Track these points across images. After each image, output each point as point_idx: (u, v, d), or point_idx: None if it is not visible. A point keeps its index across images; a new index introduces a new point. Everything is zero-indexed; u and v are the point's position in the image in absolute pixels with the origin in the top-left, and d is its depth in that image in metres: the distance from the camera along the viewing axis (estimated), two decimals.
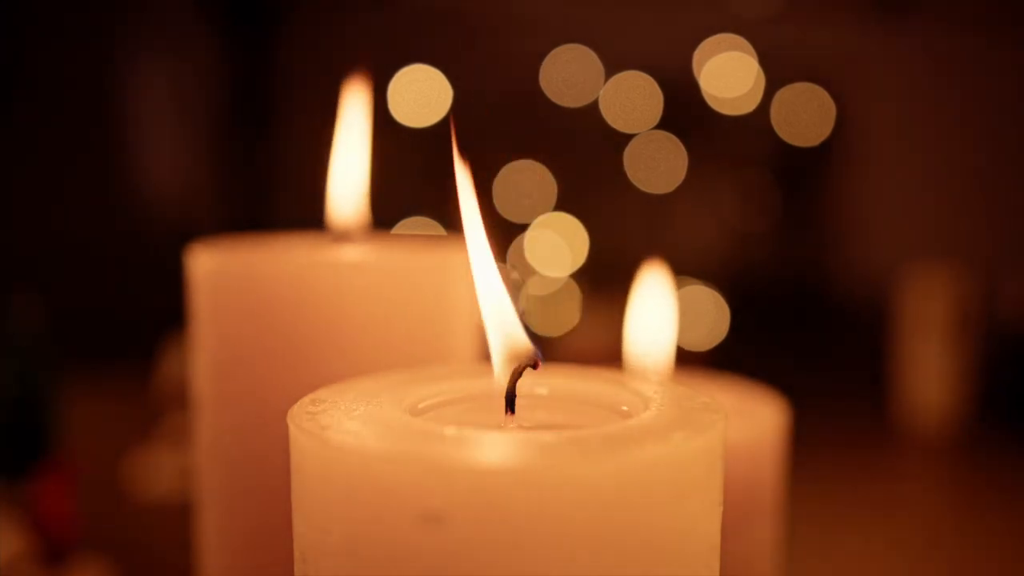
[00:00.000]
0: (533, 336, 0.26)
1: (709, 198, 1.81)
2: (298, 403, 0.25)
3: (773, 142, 1.78)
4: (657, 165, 1.74)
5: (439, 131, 1.61)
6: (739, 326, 1.52)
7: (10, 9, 1.48)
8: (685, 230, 1.79)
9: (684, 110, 1.73)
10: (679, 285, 0.39)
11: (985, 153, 1.70)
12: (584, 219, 1.67)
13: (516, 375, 0.25)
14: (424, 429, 0.22)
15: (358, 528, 0.21)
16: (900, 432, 1.12)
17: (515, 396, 0.25)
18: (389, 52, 1.67)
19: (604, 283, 1.55)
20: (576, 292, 1.60)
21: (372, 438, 0.22)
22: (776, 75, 1.73)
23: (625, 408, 0.26)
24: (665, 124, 1.73)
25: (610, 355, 0.40)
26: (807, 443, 0.57)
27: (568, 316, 1.54)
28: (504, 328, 0.26)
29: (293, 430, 0.23)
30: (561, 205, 1.69)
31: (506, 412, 0.25)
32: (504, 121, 1.75)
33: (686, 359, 0.40)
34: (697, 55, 1.71)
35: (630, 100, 1.73)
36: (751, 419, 0.37)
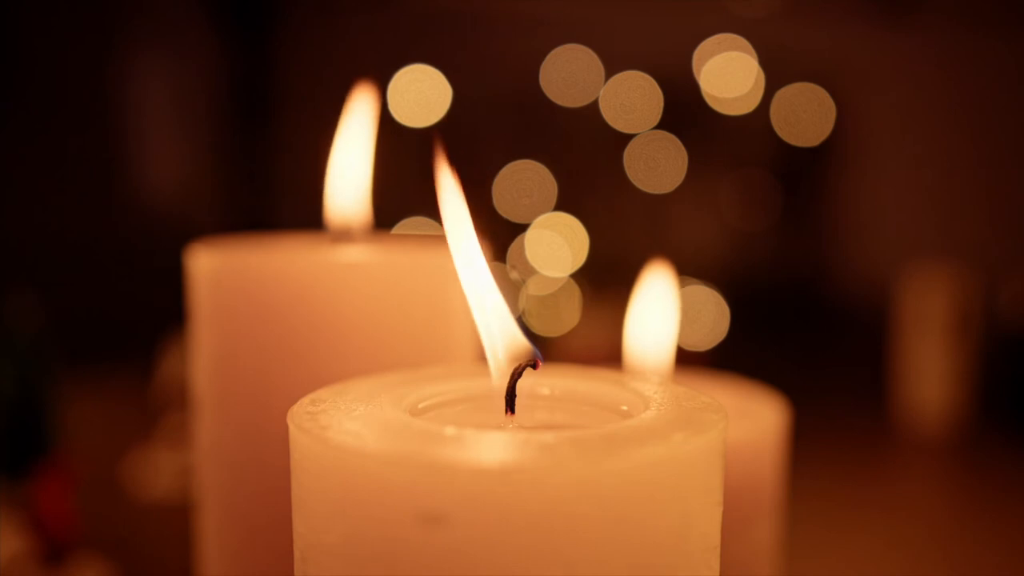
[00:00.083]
0: (532, 336, 0.26)
1: (709, 198, 1.81)
2: (298, 403, 0.25)
3: (773, 142, 1.78)
4: (657, 165, 1.74)
5: (439, 131, 1.61)
6: (739, 326, 1.52)
7: (10, 9, 1.48)
8: (685, 230, 1.79)
9: (684, 110, 1.74)
10: (679, 285, 0.39)
11: (985, 153, 1.70)
12: (584, 219, 1.67)
13: (516, 375, 0.25)
14: (424, 429, 0.22)
15: (358, 528, 0.21)
16: (900, 432, 1.12)
17: (515, 396, 0.25)
18: (389, 52, 1.67)
19: (604, 283, 1.55)
20: (576, 292, 1.60)
21: (372, 438, 0.22)
22: (776, 75, 1.73)
23: (625, 408, 0.26)
24: (665, 124, 1.73)
25: (610, 355, 0.40)
26: (807, 443, 0.57)
27: (568, 316, 1.54)
28: (500, 329, 0.26)
29: (293, 430, 0.23)
30: (561, 205, 1.69)
31: (506, 412, 0.25)
32: (504, 121, 1.75)
33: (686, 359, 0.39)
34: (697, 55, 1.71)
35: (630, 100, 1.73)
36: (751, 419, 0.37)
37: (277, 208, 1.77)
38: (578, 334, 1.45)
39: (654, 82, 1.72)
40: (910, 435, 1.11)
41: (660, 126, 1.73)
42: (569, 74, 1.73)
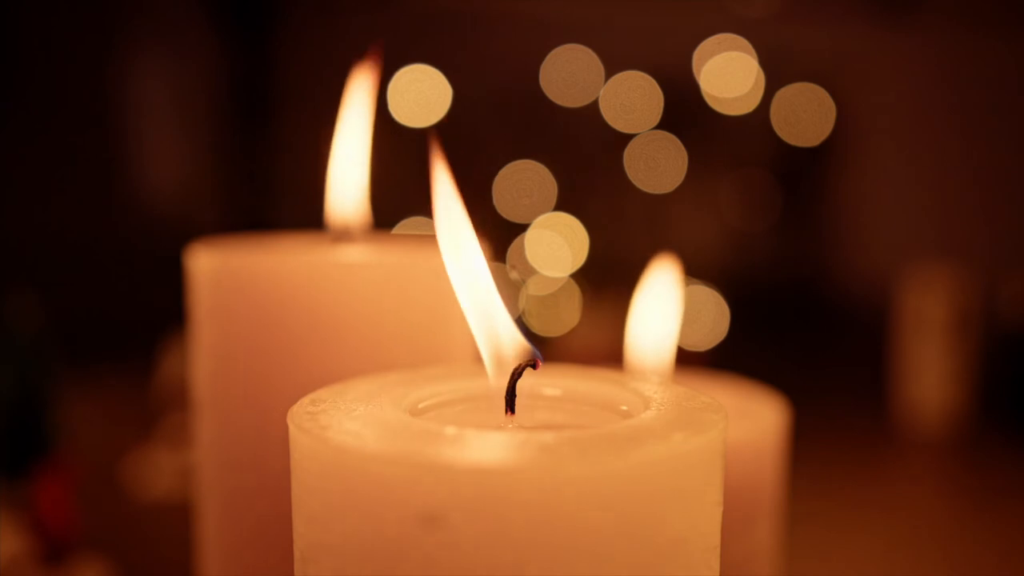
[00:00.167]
0: (532, 336, 0.26)
1: (709, 198, 1.80)
2: (298, 403, 0.25)
3: (773, 142, 1.78)
4: (657, 165, 1.74)
5: (439, 131, 1.61)
6: (739, 326, 1.52)
7: (10, 9, 1.48)
8: (685, 230, 1.79)
9: (684, 110, 1.74)
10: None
11: (985, 153, 1.70)
12: (584, 219, 1.67)
13: (516, 375, 0.25)
14: (424, 429, 0.22)
15: (358, 528, 0.21)
16: (900, 432, 1.12)
17: (515, 396, 0.25)
18: (389, 52, 1.67)
19: (604, 283, 1.55)
20: (576, 292, 1.60)
21: (372, 438, 0.22)
22: (776, 75, 1.73)
23: (625, 408, 0.26)
24: (665, 124, 1.73)
25: (610, 355, 0.40)
26: (807, 443, 0.57)
27: (568, 316, 1.54)
28: (498, 330, 0.26)
29: (293, 430, 0.23)
30: (561, 205, 1.69)
31: (506, 412, 0.25)
32: (504, 121, 1.75)
33: (686, 359, 0.39)
34: (697, 55, 1.71)
35: (630, 100, 1.73)
36: (751, 419, 0.37)
37: (277, 208, 1.77)
38: (578, 334, 1.45)
39: (654, 82, 1.72)
40: (910, 435, 1.11)
41: (660, 126, 1.73)
42: (569, 74, 1.73)
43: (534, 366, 0.25)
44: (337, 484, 0.22)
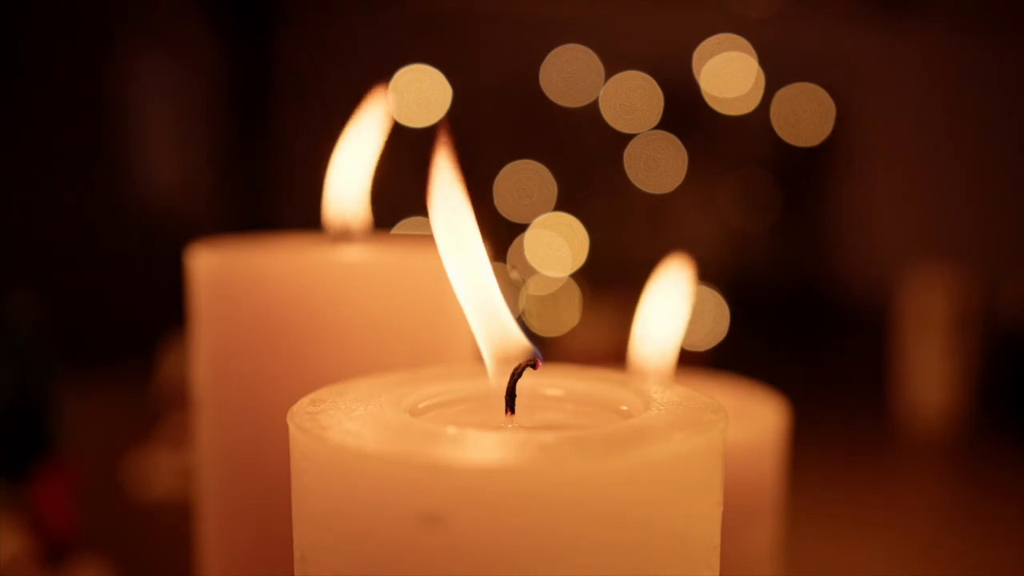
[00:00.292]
0: (532, 336, 0.26)
1: (709, 198, 1.80)
2: (298, 403, 0.25)
3: (773, 142, 1.78)
4: (657, 165, 1.74)
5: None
6: (739, 326, 1.52)
7: (9, 9, 1.48)
8: (685, 230, 1.79)
9: (684, 110, 1.73)
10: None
11: (985, 153, 1.70)
12: (584, 219, 1.67)
13: (516, 375, 0.25)
14: (424, 429, 0.22)
15: (358, 528, 0.21)
16: (900, 431, 1.12)
17: (515, 396, 0.25)
18: (389, 52, 1.67)
19: (604, 283, 1.55)
20: (576, 292, 1.59)
21: (372, 438, 0.22)
22: (776, 75, 1.73)
23: (625, 408, 0.26)
24: (665, 124, 1.73)
25: (610, 355, 0.40)
26: (807, 443, 0.57)
27: (568, 316, 1.54)
28: (498, 329, 0.26)
29: (293, 430, 0.23)
30: (561, 205, 1.69)
31: (506, 412, 0.25)
32: (504, 121, 1.75)
33: (686, 359, 0.39)
34: (697, 55, 1.71)
35: (630, 100, 1.73)
36: (751, 419, 0.37)
37: (277, 208, 1.77)
38: (578, 334, 1.45)
39: (654, 82, 1.72)
40: (910, 435, 1.11)
41: (660, 126, 1.73)
42: (569, 74, 1.73)
43: (534, 366, 0.25)
44: (337, 484, 0.22)
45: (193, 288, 0.37)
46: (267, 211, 1.78)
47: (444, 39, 1.71)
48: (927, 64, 1.72)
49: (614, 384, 0.27)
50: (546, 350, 0.26)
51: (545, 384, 0.28)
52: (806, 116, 1.76)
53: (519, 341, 0.26)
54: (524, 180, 1.70)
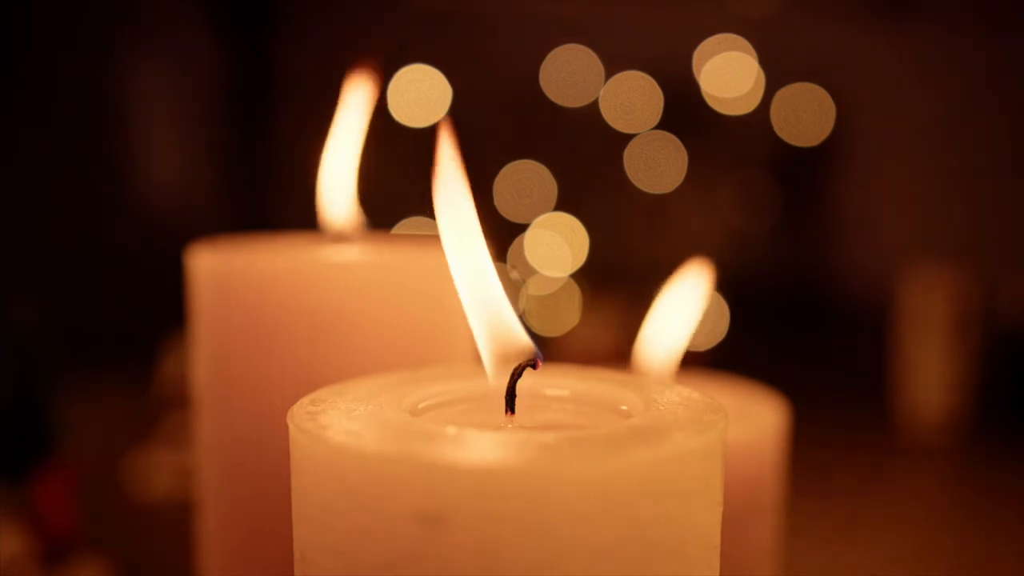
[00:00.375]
0: (532, 336, 0.26)
1: (709, 198, 1.80)
2: (298, 403, 0.25)
3: (773, 142, 1.78)
4: (657, 165, 1.74)
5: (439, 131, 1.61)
6: (739, 326, 1.52)
7: (9, 9, 1.48)
8: (685, 230, 1.79)
9: (684, 110, 1.73)
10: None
11: (985, 153, 1.70)
12: (584, 219, 1.67)
13: (516, 375, 0.25)
14: (424, 429, 0.22)
15: (358, 528, 0.21)
16: (900, 432, 1.12)
17: (515, 396, 0.25)
18: (389, 52, 1.67)
19: (604, 283, 1.55)
20: (576, 292, 1.59)
21: (372, 438, 0.22)
22: (776, 75, 1.73)
23: (625, 408, 0.26)
24: (665, 124, 1.73)
25: (610, 355, 0.40)
26: (807, 443, 0.57)
27: (568, 316, 1.54)
28: (499, 329, 0.26)
29: (293, 430, 0.23)
30: (561, 205, 1.69)
31: (506, 412, 0.25)
32: (504, 121, 1.75)
33: (686, 359, 0.40)
34: (697, 55, 1.71)
35: (630, 100, 1.73)
36: (751, 419, 0.37)
37: (277, 208, 1.77)
38: (578, 334, 1.45)
39: (654, 82, 1.72)
40: (910, 435, 1.11)
41: (660, 126, 1.73)
42: (569, 74, 1.73)
43: (534, 366, 0.25)
44: (337, 484, 0.22)
45: (193, 288, 0.37)
46: (267, 211, 1.78)
47: (444, 39, 1.71)
48: (927, 64, 1.72)
49: (614, 384, 0.27)
50: (546, 350, 0.26)
51: (545, 384, 0.28)
52: (806, 116, 1.76)
53: (520, 341, 0.26)
54: (524, 180, 1.70)
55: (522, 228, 1.65)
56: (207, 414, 0.36)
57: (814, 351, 1.56)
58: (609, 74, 1.73)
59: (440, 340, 0.36)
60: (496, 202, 1.68)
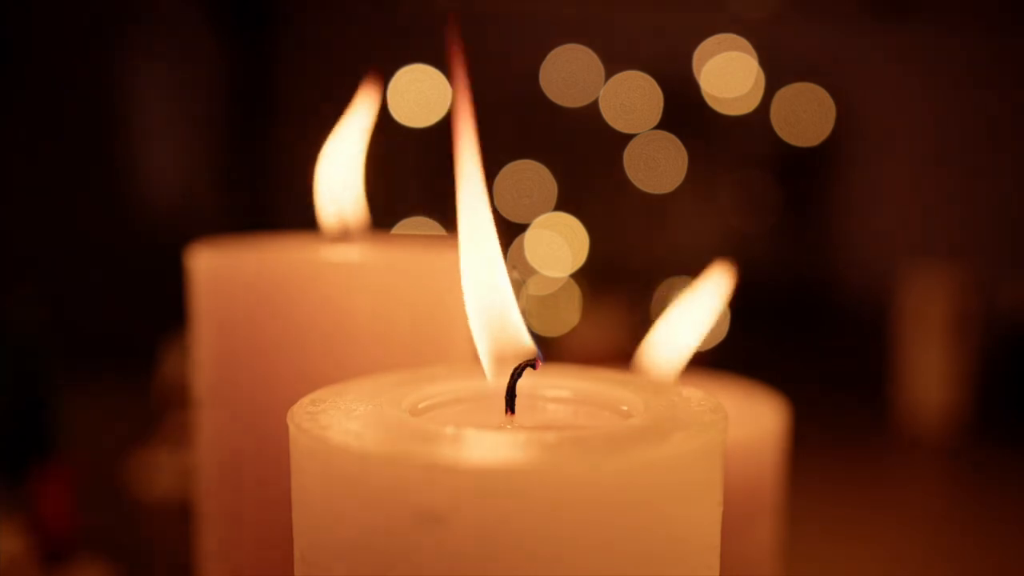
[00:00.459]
0: (533, 336, 0.26)
1: (709, 198, 1.80)
2: (298, 403, 0.25)
3: (773, 142, 1.78)
4: (657, 165, 1.74)
5: (439, 131, 1.61)
6: (739, 326, 1.52)
7: (11, 10, 1.48)
8: (685, 230, 1.79)
9: (684, 110, 1.74)
10: (679, 285, 0.39)
11: (985, 153, 1.70)
12: (584, 219, 1.67)
13: (516, 375, 0.25)
14: (424, 429, 0.22)
15: (358, 528, 0.21)
16: (900, 431, 1.12)
17: (515, 396, 0.25)
18: (389, 52, 1.67)
19: (604, 283, 1.55)
20: (576, 292, 1.59)
21: (372, 438, 0.22)
22: (776, 75, 1.73)
23: (625, 408, 0.26)
24: (665, 124, 1.73)
25: (610, 354, 0.40)
26: (807, 443, 0.57)
27: (568, 316, 1.54)
28: (500, 328, 0.26)
29: (293, 430, 0.23)
30: (561, 205, 1.69)
31: (506, 412, 0.25)
32: (504, 121, 1.75)
33: (686, 359, 0.39)
34: (697, 55, 1.71)
35: (630, 100, 1.73)
36: (751, 419, 0.37)
37: (277, 208, 1.77)
38: (578, 334, 1.45)
39: (654, 82, 1.72)
40: (910, 434, 1.11)
41: (660, 126, 1.73)
42: (569, 74, 1.73)
43: (534, 366, 0.25)
44: (337, 484, 0.22)
45: (193, 288, 0.37)
46: (267, 211, 1.78)
47: (444, 39, 1.71)
48: (927, 64, 1.72)
49: (614, 384, 0.27)
50: (546, 350, 0.26)
51: (545, 384, 0.28)
52: (806, 116, 1.76)
53: (521, 341, 0.26)
54: (524, 180, 1.70)
55: (522, 228, 1.65)
56: (207, 414, 0.36)
57: (814, 351, 1.56)
58: (609, 74, 1.73)
59: (440, 340, 0.36)
60: (496, 202, 1.68)
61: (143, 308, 1.17)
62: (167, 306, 0.71)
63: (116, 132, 1.65)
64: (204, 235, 0.42)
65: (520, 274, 1.60)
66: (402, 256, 0.36)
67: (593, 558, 0.21)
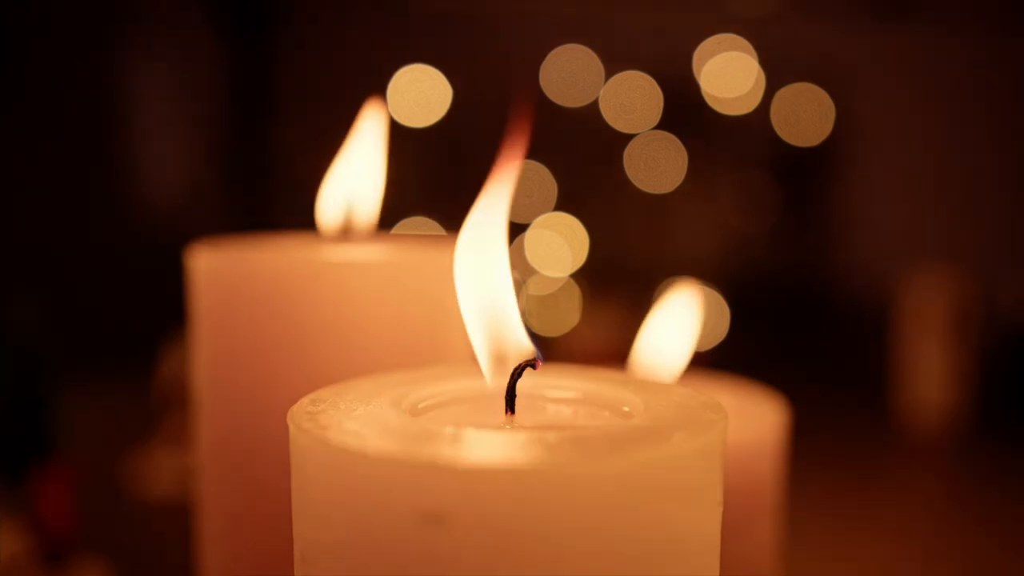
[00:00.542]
0: (532, 336, 0.26)
1: (709, 198, 1.80)
2: (298, 403, 0.25)
3: (773, 142, 1.78)
4: (657, 165, 1.74)
5: (439, 131, 1.61)
6: (739, 326, 1.52)
7: (10, 10, 1.48)
8: (685, 230, 1.79)
9: (684, 110, 1.73)
10: (678, 285, 0.39)
11: (985, 153, 1.70)
12: (584, 219, 1.67)
13: (516, 375, 0.25)
14: (424, 429, 0.22)
15: (358, 528, 0.21)
16: (900, 431, 1.12)
17: (515, 396, 0.25)
18: (389, 52, 1.67)
19: (604, 283, 1.55)
20: (576, 292, 1.59)
21: (372, 438, 0.22)
22: (776, 75, 1.73)
23: (625, 408, 0.26)
24: (665, 124, 1.73)
25: (610, 355, 0.40)
26: (807, 443, 0.57)
27: (568, 316, 1.54)
28: (499, 328, 0.26)
29: (293, 430, 0.23)
30: (561, 205, 1.69)
31: (506, 412, 0.25)
32: (504, 121, 1.75)
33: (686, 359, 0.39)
34: (697, 55, 1.71)
35: (630, 100, 1.73)
36: (751, 419, 0.37)
37: (277, 208, 1.77)
38: (578, 334, 1.45)
39: (654, 82, 1.72)
40: (910, 434, 1.11)
41: (660, 126, 1.73)
42: (569, 74, 1.73)
43: (534, 366, 0.25)
44: (337, 484, 0.22)
45: (193, 288, 0.37)
46: (267, 211, 1.78)
47: (444, 39, 1.71)
48: (927, 64, 1.72)
49: (615, 384, 0.27)
50: (546, 350, 0.26)
51: (545, 384, 0.28)
52: (806, 116, 1.76)
53: (521, 341, 0.26)
54: (524, 180, 1.70)
55: (522, 228, 1.65)
56: (207, 414, 0.36)
57: (814, 351, 1.56)
58: (609, 74, 1.73)
59: (440, 340, 0.36)
60: None
61: (143, 308, 1.17)
62: (167, 306, 0.71)
63: (116, 132, 1.65)
64: (204, 235, 0.42)
65: (520, 274, 1.60)
66: (402, 256, 0.36)
67: (593, 558, 0.21)
